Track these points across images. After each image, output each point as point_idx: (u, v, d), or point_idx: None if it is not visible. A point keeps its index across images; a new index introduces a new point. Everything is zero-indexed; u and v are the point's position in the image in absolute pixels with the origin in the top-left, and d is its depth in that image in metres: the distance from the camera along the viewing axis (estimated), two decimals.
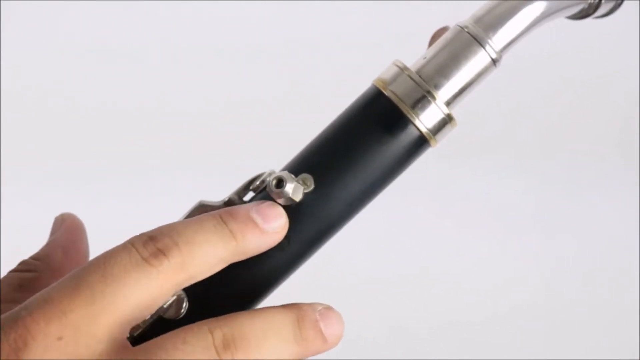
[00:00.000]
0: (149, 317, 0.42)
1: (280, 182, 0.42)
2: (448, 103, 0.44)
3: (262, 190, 0.45)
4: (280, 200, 0.43)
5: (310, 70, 1.32)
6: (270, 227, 0.42)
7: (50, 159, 1.28)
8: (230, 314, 0.40)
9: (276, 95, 1.31)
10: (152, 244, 0.39)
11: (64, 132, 1.29)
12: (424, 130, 0.44)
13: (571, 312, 1.23)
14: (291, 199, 0.42)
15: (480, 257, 1.29)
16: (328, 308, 0.42)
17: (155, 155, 1.26)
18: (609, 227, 1.35)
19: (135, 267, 0.38)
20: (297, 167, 0.44)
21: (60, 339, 0.37)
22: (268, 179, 0.43)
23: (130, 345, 0.39)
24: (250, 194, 0.46)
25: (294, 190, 0.42)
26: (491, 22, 0.44)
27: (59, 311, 0.37)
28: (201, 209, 0.47)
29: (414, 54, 0.45)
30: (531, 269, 1.29)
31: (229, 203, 0.46)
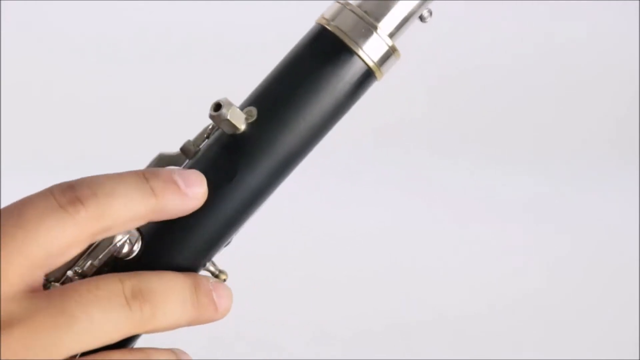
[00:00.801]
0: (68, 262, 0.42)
1: (218, 106, 0.43)
2: (391, 35, 0.45)
3: (214, 132, 0.46)
4: (223, 126, 0.44)
5: None
6: (191, 191, 0.42)
7: (50, 150, 1.29)
8: (138, 272, 0.42)
9: None
10: (70, 192, 0.40)
11: (65, 124, 1.30)
12: (369, 62, 0.45)
13: (570, 306, 1.23)
14: (233, 125, 0.43)
15: (478, 250, 1.29)
16: (219, 281, 0.45)
17: (155, 148, 1.27)
18: (607, 221, 1.35)
19: (51, 212, 0.39)
20: (245, 103, 0.45)
21: None
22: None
23: (43, 291, 0.40)
24: (206, 141, 0.47)
25: (232, 114, 0.43)
26: None
27: None
28: (160, 160, 0.48)
29: None
30: (529, 263, 1.29)
31: (184, 151, 0.47)
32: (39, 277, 0.40)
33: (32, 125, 1.31)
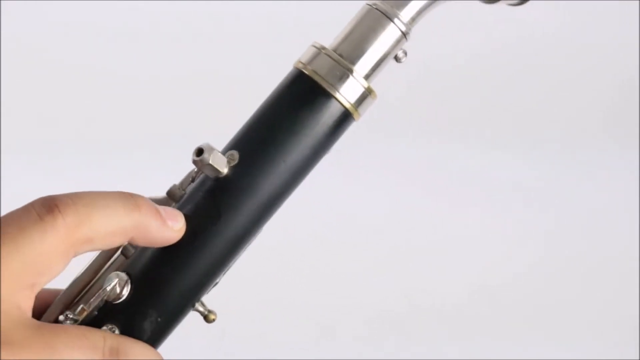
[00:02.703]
0: (47, 281, 0.42)
1: (200, 151, 0.44)
2: (367, 77, 0.47)
3: (198, 175, 0.47)
4: (206, 170, 0.45)
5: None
6: (170, 222, 0.44)
7: (52, 130, 1.29)
8: (123, 336, 0.44)
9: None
10: (49, 202, 0.40)
11: (65, 103, 1.30)
12: (346, 104, 0.46)
13: (564, 288, 1.25)
14: (216, 169, 0.45)
15: (472, 234, 1.30)
16: None
17: (155, 128, 1.27)
18: (601, 204, 1.36)
19: (31, 224, 0.40)
20: (227, 147, 0.47)
21: None
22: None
23: (34, 320, 0.41)
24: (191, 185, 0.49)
25: (214, 158, 0.44)
26: None
27: None
28: None
29: (330, 36, 0.48)
30: (523, 246, 1.31)
31: (170, 194, 0.48)
32: (30, 300, 0.41)
33: (33, 101, 1.31)
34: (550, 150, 1.42)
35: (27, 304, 0.40)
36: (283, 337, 1.13)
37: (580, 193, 1.37)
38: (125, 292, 0.45)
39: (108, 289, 0.45)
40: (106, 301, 0.45)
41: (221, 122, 1.29)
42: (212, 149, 0.44)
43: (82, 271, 0.50)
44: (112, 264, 0.49)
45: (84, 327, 0.43)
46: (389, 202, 1.31)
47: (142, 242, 0.43)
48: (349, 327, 1.16)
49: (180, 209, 0.47)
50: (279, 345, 1.12)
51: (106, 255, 0.49)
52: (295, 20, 1.33)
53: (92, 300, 0.45)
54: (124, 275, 0.46)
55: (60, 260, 0.41)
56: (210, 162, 0.44)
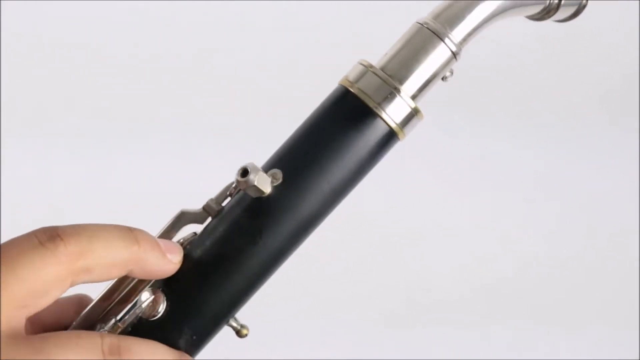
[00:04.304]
0: (48, 303, 0.42)
1: (245, 172, 0.43)
2: (414, 97, 0.46)
3: (239, 192, 0.46)
4: (250, 191, 0.44)
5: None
6: (169, 255, 0.45)
7: (51, 117, 1.28)
8: (122, 335, 0.44)
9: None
10: (52, 231, 0.41)
11: (66, 90, 1.29)
12: (392, 124, 0.45)
13: (569, 271, 1.25)
14: (259, 190, 0.44)
15: (475, 220, 1.30)
16: None
17: (156, 115, 1.26)
18: (602, 188, 1.36)
19: (32, 249, 0.40)
20: (269, 164, 0.46)
21: None
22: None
23: (24, 334, 0.40)
24: (228, 199, 0.48)
25: (259, 179, 0.43)
26: (449, 17, 0.46)
27: None
28: (182, 217, 0.49)
29: (378, 53, 0.47)
30: (526, 231, 1.30)
31: (207, 209, 0.47)
32: (21, 320, 0.41)
33: (34, 88, 1.29)
34: (554, 137, 1.42)
35: (19, 323, 0.40)
36: (287, 327, 1.13)
37: (584, 180, 1.37)
38: (161, 309, 0.45)
39: (144, 305, 0.44)
40: (140, 318, 0.44)
41: (224, 113, 1.28)
42: (257, 170, 0.43)
43: (111, 284, 0.49)
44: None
45: (77, 330, 0.43)
46: (391, 190, 1.30)
47: (139, 274, 0.44)
48: (352, 319, 1.16)
49: (218, 225, 0.46)
50: (285, 334, 1.12)
51: None
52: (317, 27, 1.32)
53: (126, 317, 0.45)
54: (160, 292, 0.45)
55: (57, 287, 0.41)
56: (256, 183, 0.43)
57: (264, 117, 1.25)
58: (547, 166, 1.38)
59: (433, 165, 1.35)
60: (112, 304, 0.48)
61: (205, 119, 1.24)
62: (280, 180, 0.44)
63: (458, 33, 0.46)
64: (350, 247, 1.23)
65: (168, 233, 0.48)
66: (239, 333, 0.48)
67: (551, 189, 1.36)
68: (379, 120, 0.45)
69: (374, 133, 0.45)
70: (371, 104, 0.45)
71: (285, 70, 1.28)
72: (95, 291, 0.52)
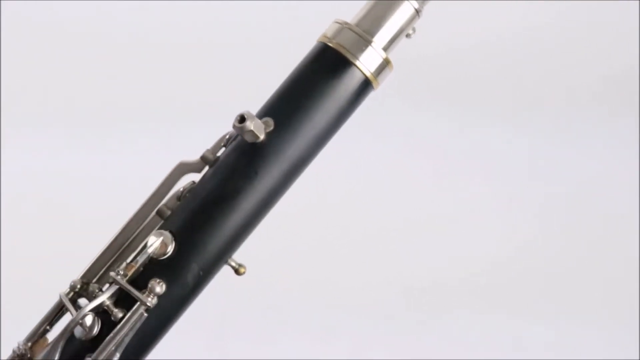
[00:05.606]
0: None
1: (242, 118, 0.49)
2: (385, 49, 0.52)
3: (233, 141, 0.52)
4: (246, 136, 0.49)
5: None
6: None
7: (50, 105, 1.27)
8: None
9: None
10: None
11: (64, 78, 1.28)
12: (367, 73, 0.51)
13: (565, 256, 1.28)
14: (255, 134, 0.49)
15: (472, 205, 1.33)
16: None
17: (154, 103, 1.26)
18: (599, 175, 1.37)
19: None
20: (260, 114, 0.51)
21: None
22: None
23: None
24: (222, 150, 0.53)
25: (255, 125, 0.49)
26: None
27: None
28: (181, 167, 0.54)
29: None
30: (521, 216, 1.33)
31: (204, 159, 0.52)
32: None
33: (32, 76, 1.28)
34: (548, 126, 1.42)
35: None
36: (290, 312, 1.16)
37: (579, 168, 1.38)
38: (170, 249, 0.49)
39: (156, 244, 0.49)
40: (152, 258, 0.49)
41: (217, 92, 1.28)
42: (253, 117, 0.49)
43: (118, 232, 0.53)
44: (147, 224, 0.53)
45: None
46: (385, 180, 1.32)
47: None
48: (349, 306, 1.18)
49: (216, 171, 0.51)
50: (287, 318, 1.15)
51: (141, 216, 0.53)
52: None
53: (138, 257, 0.49)
54: (168, 234, 0.49)
55: None
56: (252, 128, 0.49)
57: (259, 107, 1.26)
58: (541, 155, 1.40)
59: (428, 153, 1.36)
60: (120, 251, 0.53)
61: (211, 109, 1.24)
62: (272, 127, 0.50)
63: None
64: (345, 236, 1.26)
65: (167, 186, 0.53)
66: (237, 271, 0.53)
67: (546, 177, 1.38)
68: (355, 70, 0.51)
69: (351, 81, 0.51)
70: (349, 56, 0.51)
71: (279, 60, 1.30)
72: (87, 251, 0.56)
